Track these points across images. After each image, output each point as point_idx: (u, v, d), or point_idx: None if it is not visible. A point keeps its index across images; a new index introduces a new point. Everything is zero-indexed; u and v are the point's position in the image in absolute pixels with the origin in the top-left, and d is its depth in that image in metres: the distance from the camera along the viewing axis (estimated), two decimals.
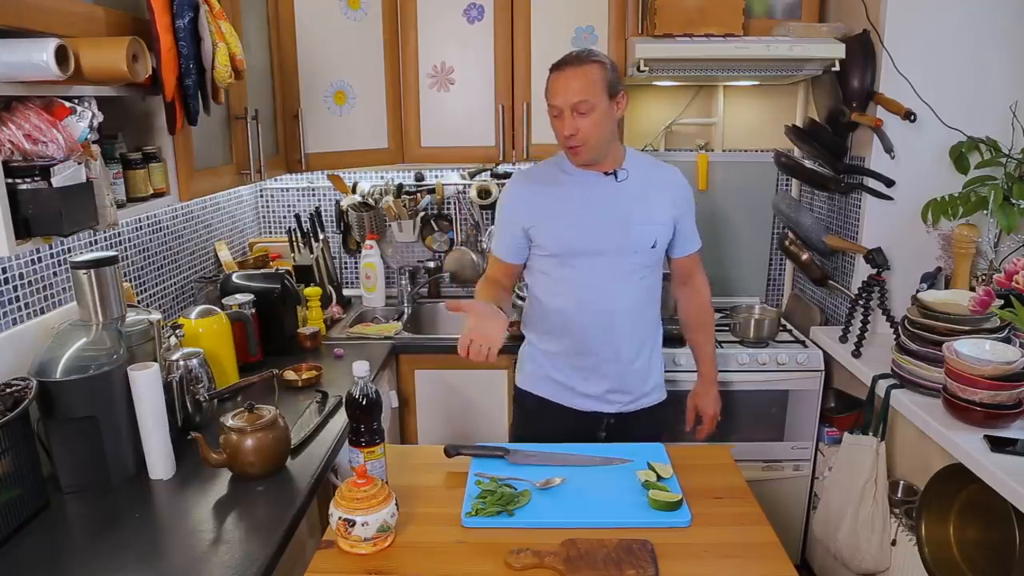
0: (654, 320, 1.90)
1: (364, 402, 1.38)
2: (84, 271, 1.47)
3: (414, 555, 1.25)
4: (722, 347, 2.43)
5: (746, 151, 2.88)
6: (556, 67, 1.72)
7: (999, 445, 1.59)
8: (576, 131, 1.68)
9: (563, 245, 1.77)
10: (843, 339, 2.31)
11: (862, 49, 2.24)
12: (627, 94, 1.75)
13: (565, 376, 1.84)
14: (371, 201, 2.86)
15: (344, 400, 1.43)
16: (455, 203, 2.91)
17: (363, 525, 1.22)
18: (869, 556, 1.98)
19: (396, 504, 1.27)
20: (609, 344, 1.81)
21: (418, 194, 2.87)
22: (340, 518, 1.23)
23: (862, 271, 2.33)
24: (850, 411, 2.28)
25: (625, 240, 1.77)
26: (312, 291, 2.47)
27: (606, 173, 1.78)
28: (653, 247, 1.80)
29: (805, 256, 2.61)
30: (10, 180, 1.17)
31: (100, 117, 1.32)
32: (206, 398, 1.72)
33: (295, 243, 2.75)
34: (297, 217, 2.83)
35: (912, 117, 2.17)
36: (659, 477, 1.44)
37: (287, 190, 2.95)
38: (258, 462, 1.46)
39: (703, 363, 2.03)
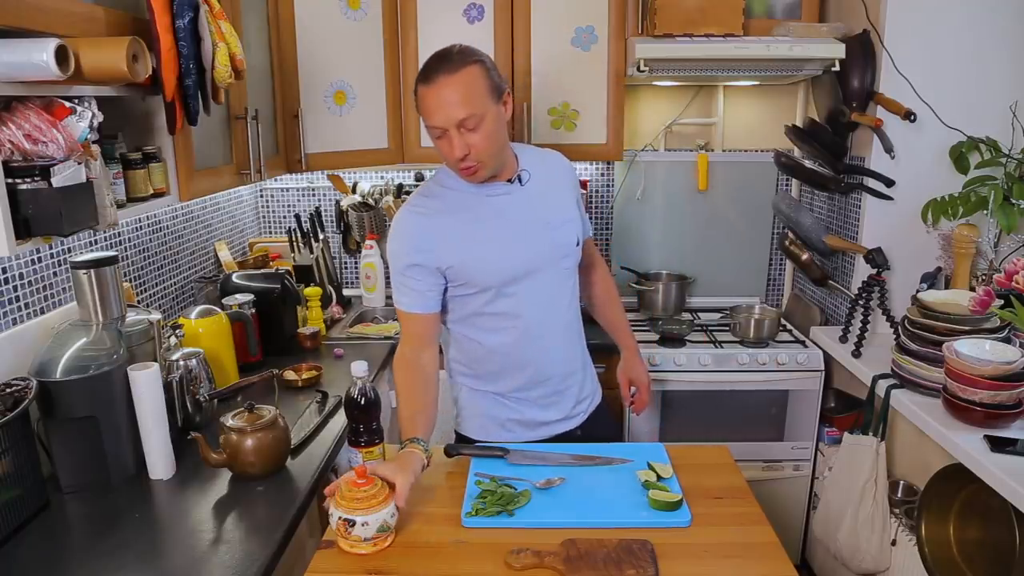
0: (580, 317, 1.77)
1: (362, 402, 1.38)
2: (84, 271, 1.47)
3: (414, 555, 1.25)
4: (722, 347, 2.44)
5: (746, 151, 2.88)
6: (426, 78, 1.44)
7: (999, 445, 1.59)
8: (468, 150, 1.45)
9: (498, 276, 1.56)
10: (843, 339, 2.31)
11: (862, 49, 2.24)
12: (511, 92, 1.53)
13: (527, 413, 1.69)
14: (371, 201, 2.86)
15: (343, 400, 1.43)
16: None
17: (363, 525, 1.22)
18: (869, 556, 1.98)
19: (396, 504, 1.27)
20: (563, 360, 1.69)
21: None
22: (340, 518, 1.23)
23: (862, 271, 2.33)
24: (850, 411, 2.28)
25: (553, 247, 1.62)
26: (312, 291, 2.47)
27: (509, 181, 1.59)
28: (577, 244, 1.67)
29: (805, 256, 2.61)
30: (10, 180, 1.17)
31: (100, 117, 1.32)
32: (206, 398, 1.72)
33: (295, 243, 2.75)
34: (297, 217, 2.83)
35: (912, 117, 2.17)
36: (659, 477, 1.44)
37: (287, 190, 2.96)
38: (258, 462, 1.46)
39: (625, 334, 1.91)
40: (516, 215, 1.59)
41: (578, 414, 1.75)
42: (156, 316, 1.64)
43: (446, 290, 1.60)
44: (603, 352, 2.15)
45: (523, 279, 1.59)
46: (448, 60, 1.44)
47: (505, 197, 1.59)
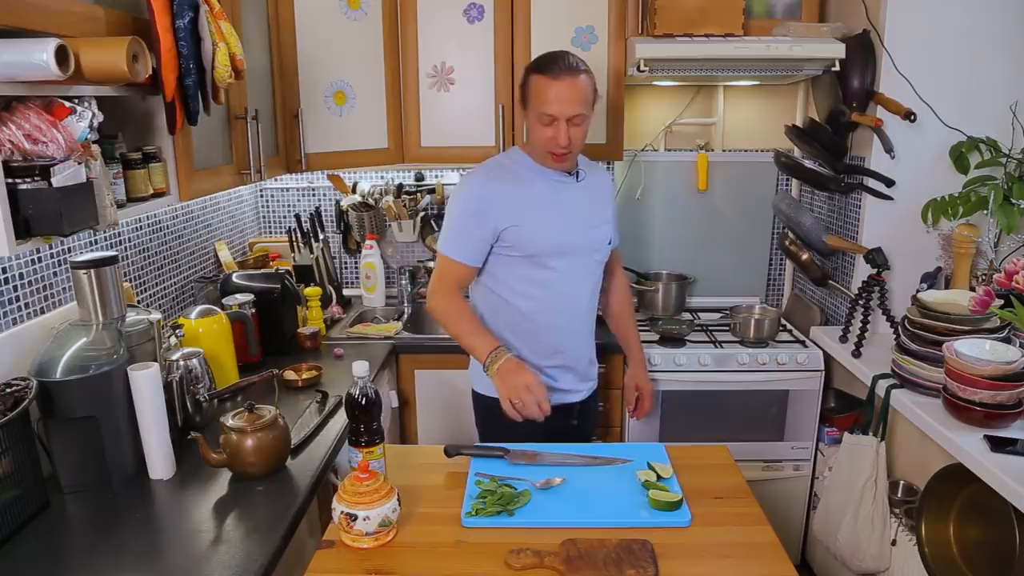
0: (595, 314, 1.98)
1: (364, 402, 1.38)
2: (84, 271, 1.47)
3: (414, 555, 1.25)
4: (722, 347, 2.44)
5: (746, 151, 2.88)
6: (549, 72, 1.69)
7: (999, 445, 1.59)
8: (569, 141, 1.71)
9: (542, 246, 1.77)
10: (843, 339, 2.31)
11: (862, 49, 2.24)
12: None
13: (540, 378, 1.80)
14: (371, 201, 2.86)
15: (344, 400, 1.44)
16: None
17: (365, 519, 1.23)
18: (869, 556, 1.98)
19: (398, 499, 1.28)
20: (578, 339, 1.90)
21: (418, 194, 2.87)
22: (342, 512, 1.24)
23: (862, 271, 2.33)
24: (850, 411, 2.28)
25: (591, 239, 1.85)
26: (312, 291, 2.47)
27: (568, 173, 1.83)
28: (609, 244, 1.92)
29: (805, 256, 2.61)
30: (10, 180, 1.17)
31: (100, 117, 1.32)
32: (206, 398, 1.72)
33: (295, 243, 2.75)
34: (297, 217, 2.83)
35: (912, 117, 2.17)
36: (659, 477, 1.44)
37: (287, 190, 2.96)
38: (258, 462, 1.47)
39: (635, 345, 2.13)
40: (568, 201, 1.81)
41: (580, 391, 1.95)
42: (156, 316, 1.64)
43: (490, 252, 1.79)
44: (605, 352, 2.16)
45: (560, 256, 1.79)
46: (569, 62, 1.69)
47: (564, 184, 1.82)
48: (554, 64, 1.69)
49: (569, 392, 1.92)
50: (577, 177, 1.85)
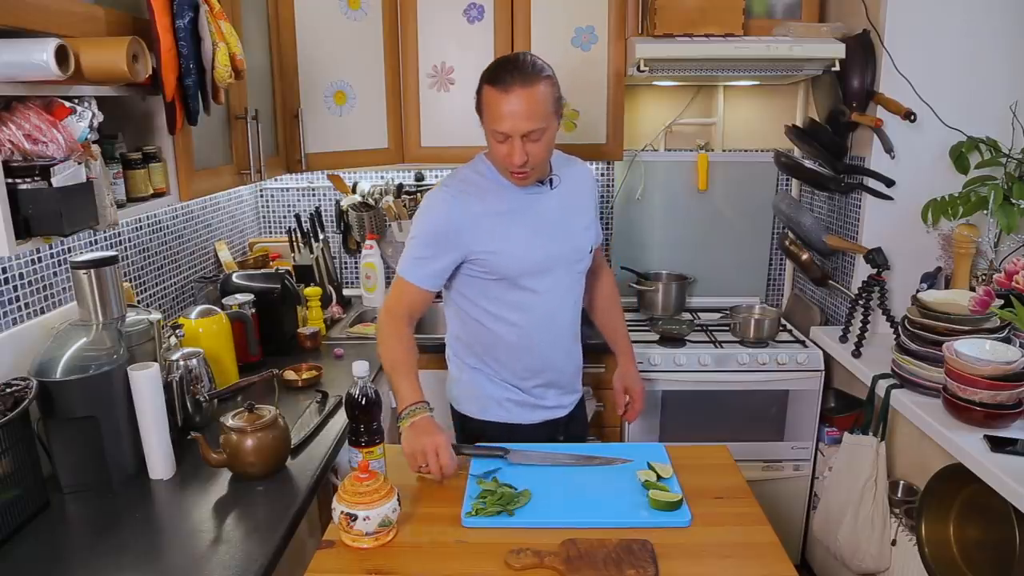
0: (580, 318, 1.85)
1: (363, 402, 1.38)
2: (84, 271, 1.47)
3: (414, 555, 1.25)
4: (722, 347, 2.44)
5: (746, 151, 2.88)
6: (500, 84, 1.50)
7: (999, 445, 1.59)
8: (527, 158, 1.53)
9: (520, 269, 1.64)
10: (843, 339, 2.31)
11: (862, 49, 2.24)
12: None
13: (524, 396, 1.77)
14: (371, 201, 2.86)
15: (344, 400, 1.44)
16: None
17: (365, 519, 1.23)
18: (869, 556, 1.98)
19: (398, 499, 1.28)
20: (563, 355, 1.78)
21: (418, 194, 2.87)
22: (342, 512, 1.24)
23: (862, 271, 2.33)
24: (850, 411, 2.28)
25: (572, 250, 1.71)
26: (312, 291, 2.47)
27: (541, 182, 1.68)
28: (590, 251, 1.77)
29: (805, 256, 2.61)
30: (10, 180, 1.17)
31: (100, 117, 1.32)
32: (206, 398, 1.72)
33: (295, 243, 2.75)
34: (297, 217, 2.83)
35: (912, 117, 2.17)
36: (659, 477, 1.44)
37: (287, 190, 2.96)
38: (258, 462, 1.47)
39: (624, 342, 1.97)
40: (543, 215, 1.67)
41: (567, 406, 1.84)
42: (156, 316, 1.64)
43: (457, 271, 1.66)
44: (604, 353, 2.16)
45: (540, 275, 1.66)
46: (523, 71, 1.50)
47: (537, 196, 1.67)
48: (505, 74, 1.50)
49: (554, 408, 1.80)
50: (551, 184, 1.68)
